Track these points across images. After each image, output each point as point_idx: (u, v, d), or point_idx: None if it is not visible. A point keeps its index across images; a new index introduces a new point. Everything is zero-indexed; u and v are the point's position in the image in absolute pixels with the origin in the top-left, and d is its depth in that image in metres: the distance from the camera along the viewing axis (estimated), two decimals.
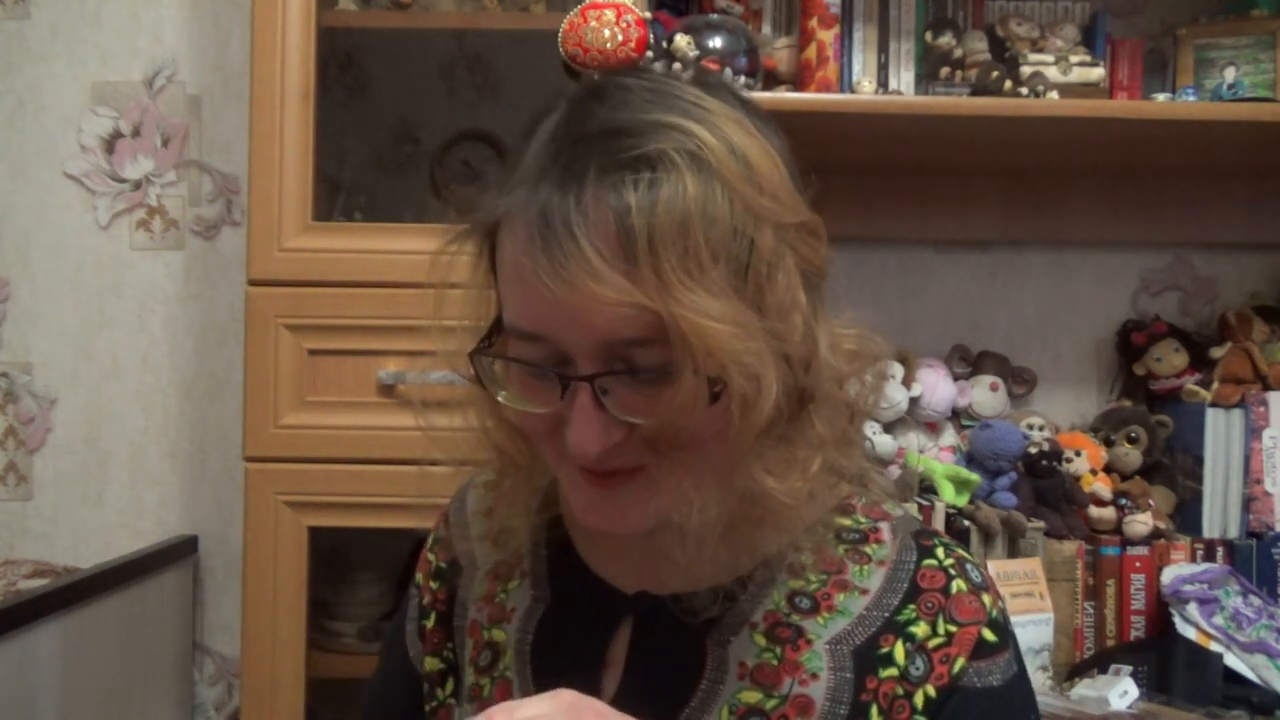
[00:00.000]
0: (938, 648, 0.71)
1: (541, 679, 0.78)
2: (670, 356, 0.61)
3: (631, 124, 0.63)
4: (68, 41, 1.95)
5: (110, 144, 1.96)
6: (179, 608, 1.89)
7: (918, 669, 0.71)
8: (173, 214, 1.97)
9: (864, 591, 0.73)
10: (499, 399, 0.69)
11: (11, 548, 1.94)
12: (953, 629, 0.71)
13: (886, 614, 0.72)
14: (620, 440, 0.65)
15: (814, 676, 0.71)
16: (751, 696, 0.71)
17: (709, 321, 0.60)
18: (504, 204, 0.66)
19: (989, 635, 0.72)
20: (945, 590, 0.72)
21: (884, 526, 0.76)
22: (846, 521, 0.76)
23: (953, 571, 0.73)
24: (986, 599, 0.73)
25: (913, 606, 0.72)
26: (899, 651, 0.71)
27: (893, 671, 0.71)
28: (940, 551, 0.75)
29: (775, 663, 0.72)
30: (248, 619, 1.51)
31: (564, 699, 0.61)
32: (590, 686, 0.74)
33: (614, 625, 0.77)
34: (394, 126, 1.94)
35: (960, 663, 0.70)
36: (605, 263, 0.60)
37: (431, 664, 0.86)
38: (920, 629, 0.71)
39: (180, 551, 1.88)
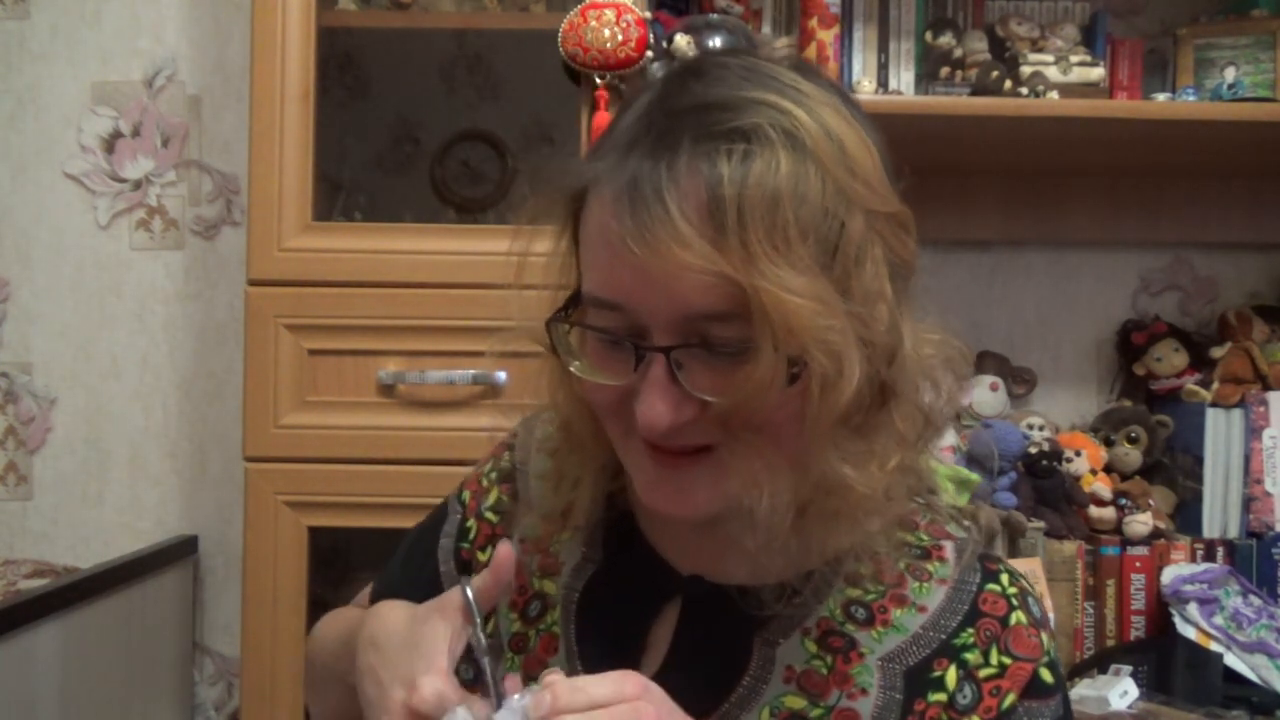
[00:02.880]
0: (989, 678, 0.69)
1: (584, 645, 0.76)
2: (749, 333, 0.60)
3: (728, 99, 0.63)
4: (68, 41, 1.95)
5: (110, 144, 1.96)
6: (179, 608, 1.89)
7: (965, 697, 0.69)
8: (173, 214, 1.97)
9: (922, 609, 0.72)
10: (571, 369, 0.68)
11: (11, 548, 1.94)
12: (1007, 661, 0.70)
13: (943, 636, 0.71)
14: (690, 418, 0.63)
15: (863, 691, 0.70)
16: (796, 702, 0.70)
17: (793, 297, 0.59)
18: (593, 171, 0.65)
19: (1046, 676, 0.70)
20: (1004, 620, 0.71)
21: (947, 545, 0.75)
22: (909, 537, 0.75)
23: (1015, 602, 0.72)
24: (1045, 637, 0.71)
25: (970, 631, 0.71)
26: (950, 676, 0.70)
27: (941, 697, 0.69)
28: (1005, 578, 0.73)
29: (825, 671, 0.70)
30: (248, 619, 1.50)
31: (633, 684, 0.60)
32: (629, 663, 0.73)
33: (661, 604, 0.75)
34: (394, 126, 1.94)
35: (1011, 698, 0.69)
36: (693, 229, 0.59)
37: None
38: (973, 655, 0.70)
39: (180, 551, 1.88)
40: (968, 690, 0.69)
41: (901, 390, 0.66)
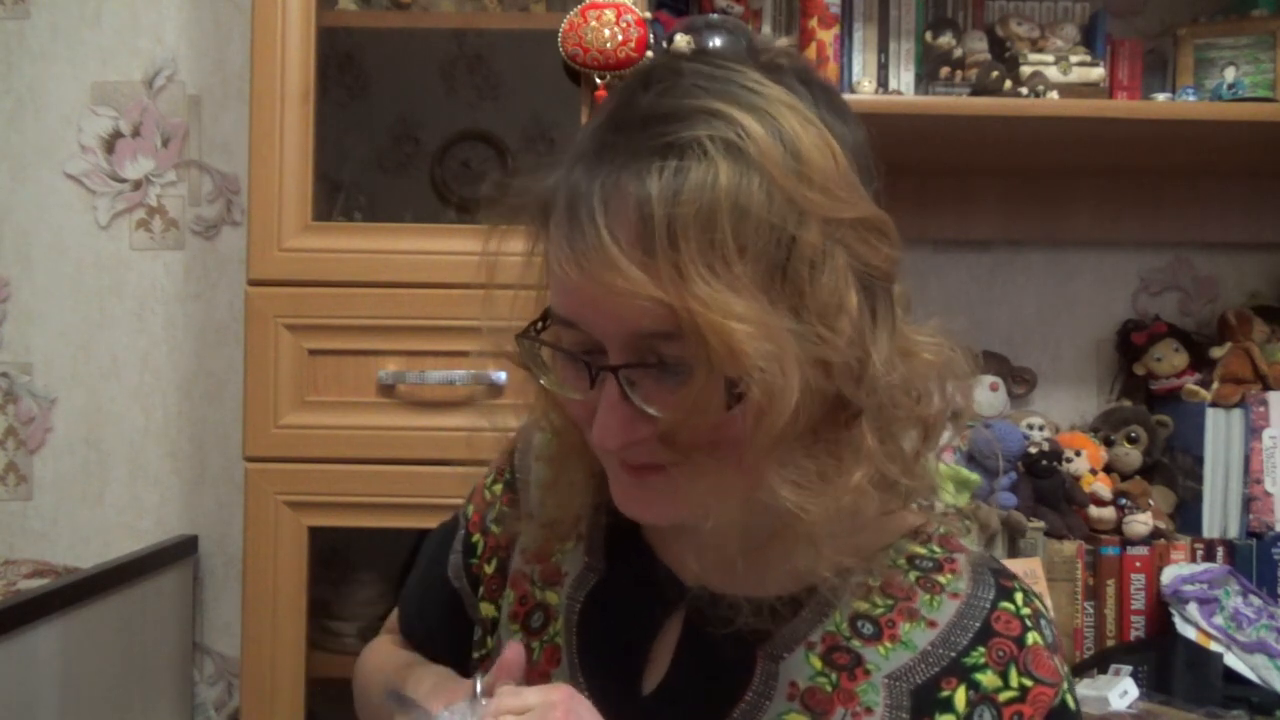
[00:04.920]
0: (1010, 702, 0.67)
1: (586, 655, 0.76)
2: (690, 351, 0.59)
3: (670, 110, 0.61)
4: (68, 41, 1.95)
5: (110, 144, 1.96)
6: (179, 608, 1.89)
7: None
8: (173, 214, 1.97)
9: (931, 624, 0.69)
10: (541, 383, 0.68)
11: (11, 548, 1.94)
12: (1028, 683, 0.67)
13: (953, 654, 0.68)
14: (644, 436, 0.63)
15: (868, 710, 0.67)
16: None
17: (727, 320, 0.57)
18: (546, 187, 0.65)
19: (1070, 702, 0.68)
20: (1020, 641, 0.68)
21: (960, 558, 0.72)
22: (920, 550, 0.72)
23: (1029, 622, 0.70)
24: (1059, 661, 0.69)
25: (982, 650, 0.68)
26: (960, 697, 0.67)
27: (950, 718, 0.67)
28: (1019, 597, 0.71)
29: (829, 689, 0.68)
30: (248, 619, 1.50)
31: (560, 692, 0.62)
32: (631, 675, 0.73)
33: (664, 616, 0.74)
34: (394, 126, 1.94)
35: None
36: (622, 253, 0.58)
37: (488, 610, 0.82)
38: (987, 678, 0.67)
39: (180, 551, 1.88)
40: (988, 715, 0.67)
41: (870, 404, 0.64)
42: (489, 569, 0.83)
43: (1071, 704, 0.69)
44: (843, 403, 0.63)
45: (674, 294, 0.57)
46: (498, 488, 0.86)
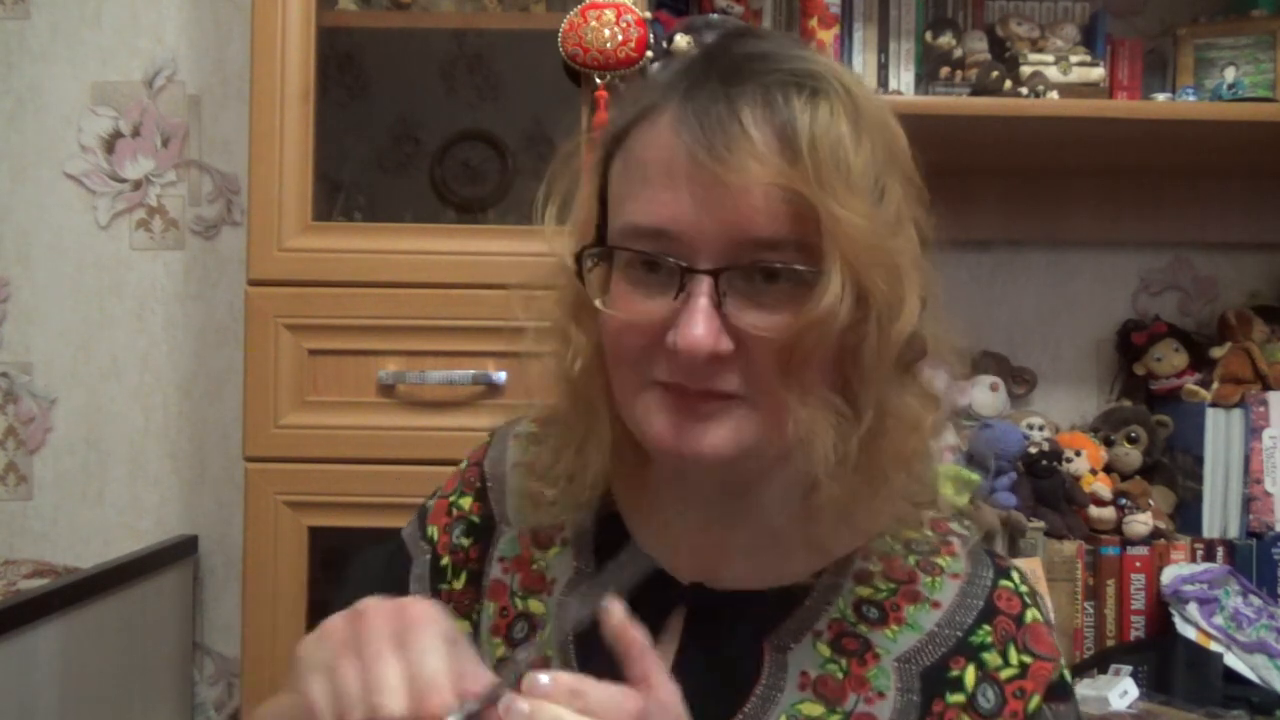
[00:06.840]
0: (1010, 679, 0.68)
1: (585, 665, 0.73)
2: (803, 262, 0.61)
3: (788, 53, 0.66)
4: (68, 41, 1.95)
5: (110, 144, 1.96)
6: (179, 608, 1.89)
7: (987, 700, 0.68)
8: (173, 214, 1.97)
9: (936, 605, 0.71)
10: (597, 304, 0.67)
11: (11, 548, 1.94)
12: (1028, 660, 0.69)
13: (959, 633, 0.70)
14: (726, 353, 0.62)
15: (880, 695, 0.68)
16: (813, 709, 0.68)
17: (864, 220, 0.61)
18: (638, 107, 0.66)
19: (1067, 676, 0.70)
20: (1019, 618, 0.70)
21: (955, 540, 0.74)
22: (914, 534, 0.74)
23: (1028, 600, 0.71)
24: (1056, 638, 0.71)
25: (987, 628, 0.70)
26: (969, 676, 0.68)
27: (960, 698, 0.68)
28: (1016, 575, 0.73)
29: (840, 676, 0.69)
30: (248, 619, 1.50)
31: (634, 703, 0.56)
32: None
33: (664, 615, 0.73)
34: (394, 126, 1.94)
35: (1036, 700, 0.68)
36: (769, 148, 0.61)
37: (461, 627, 0.78)
38: (991, 656, 0.69)
39: (180, 551, 1.88)
40: (990, 694, 0.68)
41: (920, 367, 0.68)
42: (457, 584, 0.80)
43: (1068, 678, 0.70)
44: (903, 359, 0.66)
45: (816, 194, 0.60)
46: (465, 501, 0.83)
